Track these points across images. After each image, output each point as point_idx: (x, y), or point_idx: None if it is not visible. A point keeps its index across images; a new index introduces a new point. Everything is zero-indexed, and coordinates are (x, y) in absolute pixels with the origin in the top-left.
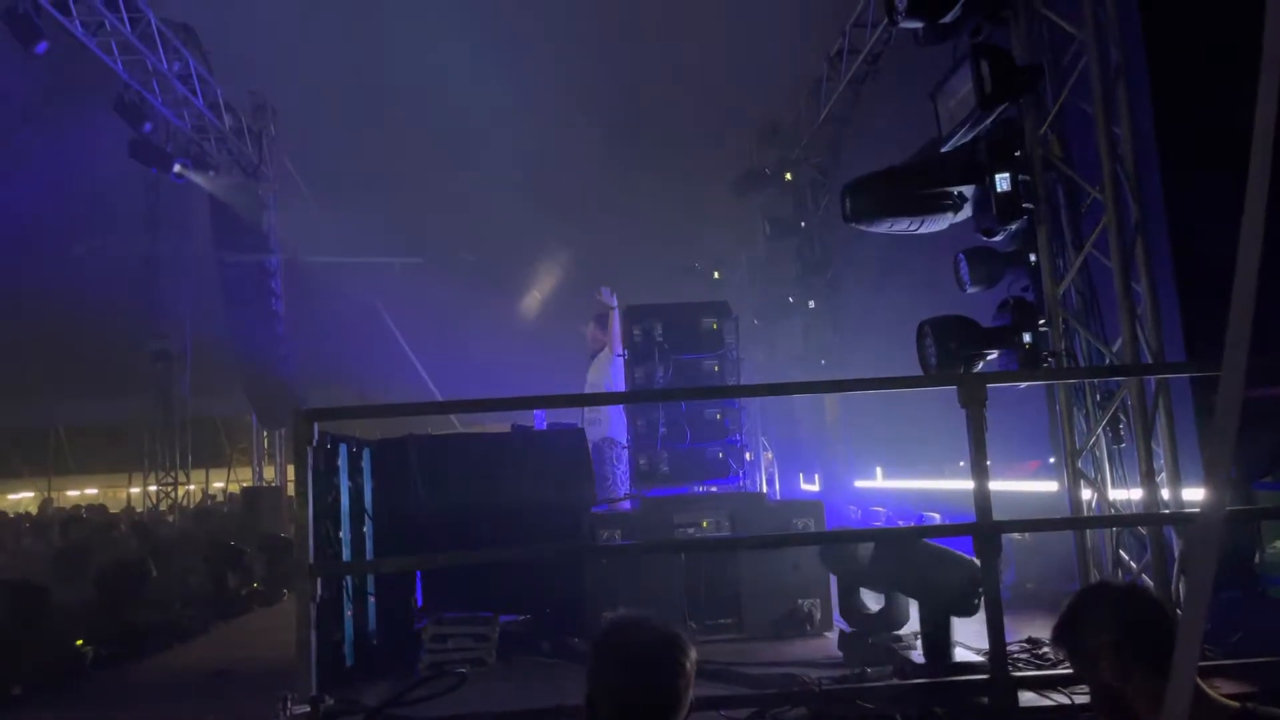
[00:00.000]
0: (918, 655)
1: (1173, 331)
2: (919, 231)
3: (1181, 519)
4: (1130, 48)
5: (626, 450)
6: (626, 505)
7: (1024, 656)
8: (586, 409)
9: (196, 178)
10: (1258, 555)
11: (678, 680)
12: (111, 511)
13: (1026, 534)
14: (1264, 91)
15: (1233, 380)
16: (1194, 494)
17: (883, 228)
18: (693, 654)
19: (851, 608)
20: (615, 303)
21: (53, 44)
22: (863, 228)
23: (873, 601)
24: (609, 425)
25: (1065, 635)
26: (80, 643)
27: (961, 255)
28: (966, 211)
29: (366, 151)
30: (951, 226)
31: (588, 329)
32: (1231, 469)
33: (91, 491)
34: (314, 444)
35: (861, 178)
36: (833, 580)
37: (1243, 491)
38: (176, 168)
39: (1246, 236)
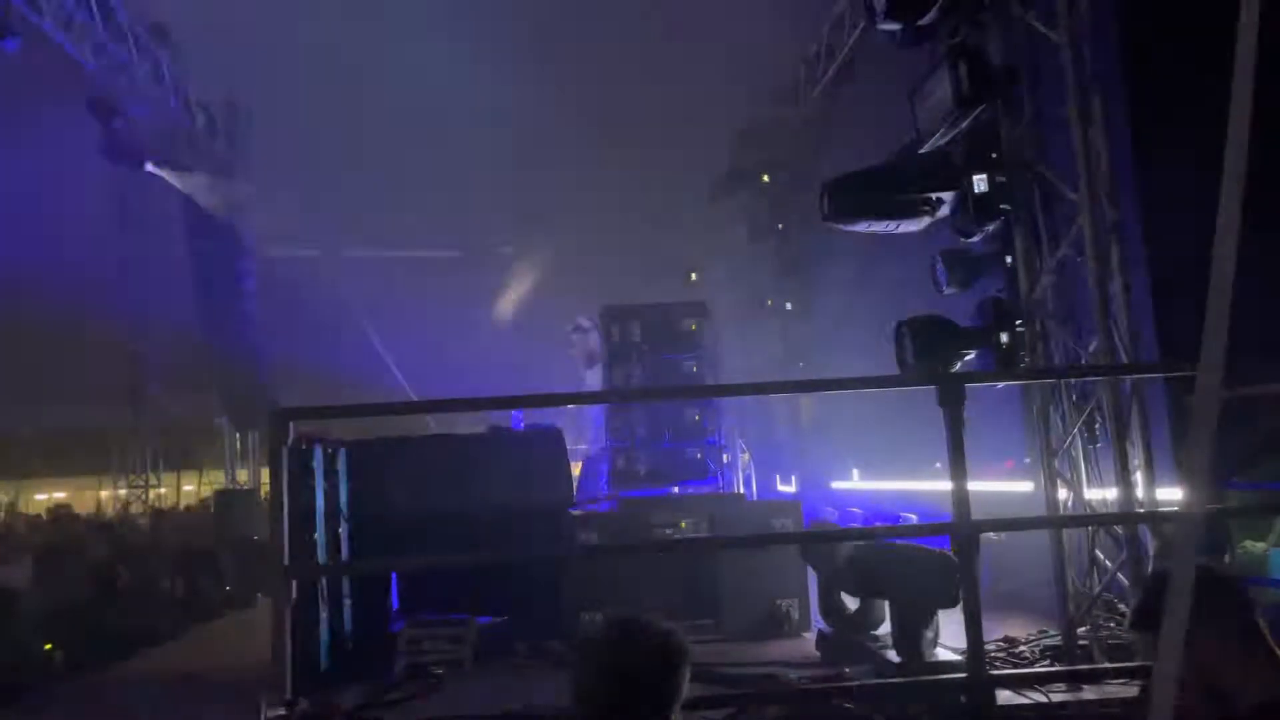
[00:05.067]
0: (894, 655)
1: (1147, 333)
2: (895, 231)
3: (1157, 518)
4: (1106, 51)
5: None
6: (604, 506)
7: (1001, 655)
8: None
9: (168, 177)
10: (1228, 555)
11: (676, 684)
12: (80, 514)
13: (1002, 534)
14: (1237, 95)
15: (1209, 380)
16: (1169, 494)
17: (860, 228)
18: (689, 653)
19: (831, 607)
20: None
21: (23, 41)
22: (840, 227)
23: (850, 602)
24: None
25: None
26: (49, 646)
27: (938, 257)
28: (944, 211)
29: (342, 150)
30: (929, 228)
31: (573, 350)
32: (1209, 467)
33: (60, 495)
34: (289, 444)
35: (842, 176)
36: (811, 580)
37: (1213, 491)
38: (148, 166)
39: (1221, 238)
